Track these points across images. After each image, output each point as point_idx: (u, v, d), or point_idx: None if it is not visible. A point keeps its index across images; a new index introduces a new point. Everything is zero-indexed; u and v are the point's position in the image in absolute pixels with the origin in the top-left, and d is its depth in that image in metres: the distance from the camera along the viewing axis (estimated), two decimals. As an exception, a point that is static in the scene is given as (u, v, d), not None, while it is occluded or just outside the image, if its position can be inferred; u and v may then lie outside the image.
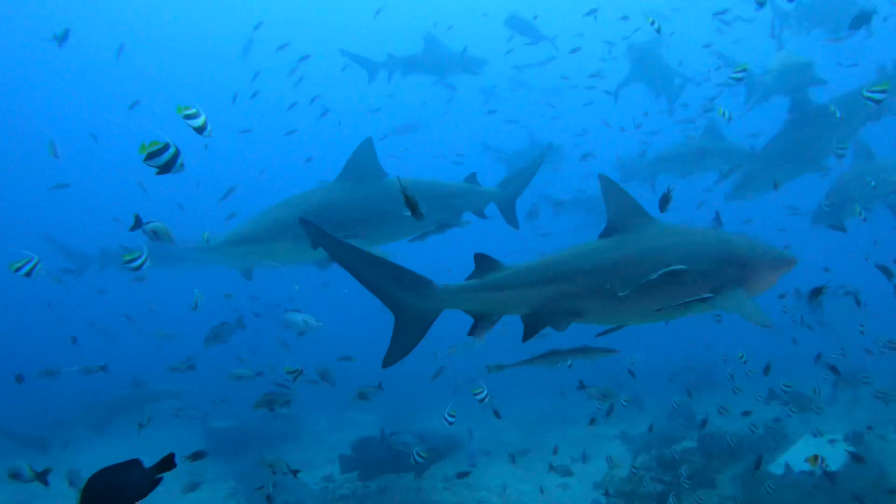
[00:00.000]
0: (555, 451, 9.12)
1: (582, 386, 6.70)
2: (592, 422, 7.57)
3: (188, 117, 3.89)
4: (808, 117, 9.53)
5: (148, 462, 2.82)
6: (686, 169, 11.75)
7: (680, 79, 14.63)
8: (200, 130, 3.92)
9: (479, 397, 5.63)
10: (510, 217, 8.45)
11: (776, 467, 6.94)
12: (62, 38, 7.69)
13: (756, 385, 8.55)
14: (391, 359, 4.30)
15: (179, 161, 3.71)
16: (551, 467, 8.22)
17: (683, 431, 10.30)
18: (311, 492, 11.00)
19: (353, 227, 6.82)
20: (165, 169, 3.67)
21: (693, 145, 11.56)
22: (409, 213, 3.85)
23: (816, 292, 5.62)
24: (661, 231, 4.50)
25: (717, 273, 4.19)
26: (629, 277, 4.09)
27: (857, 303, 8.01)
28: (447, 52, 16.03)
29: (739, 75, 7.09)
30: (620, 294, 4.06)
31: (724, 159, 11.03)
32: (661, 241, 4.38)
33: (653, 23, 7.40)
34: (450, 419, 6.23)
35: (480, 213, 8.12)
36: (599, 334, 4.79)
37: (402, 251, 7.00)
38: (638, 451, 11.19)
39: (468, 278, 4.43)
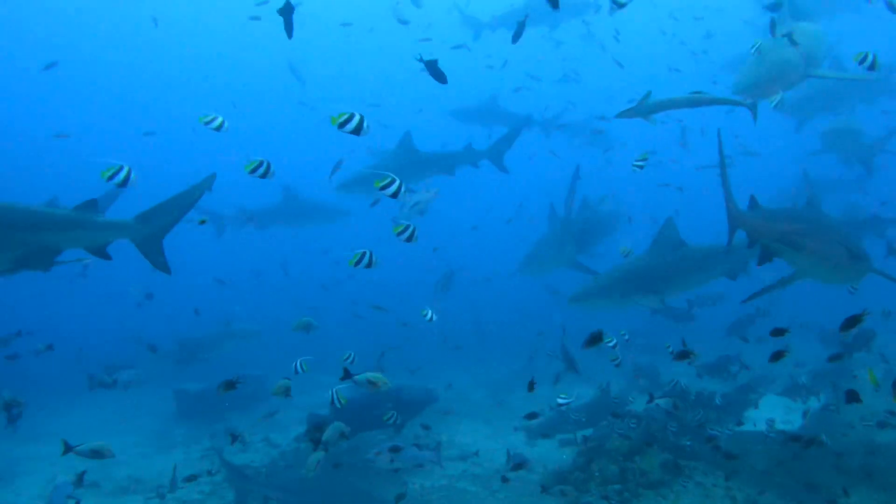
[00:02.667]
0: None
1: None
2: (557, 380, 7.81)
3: (384, 187, 4.82)
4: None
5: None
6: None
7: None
8: (395, 195, 4.85)
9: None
10: (155, 258, 6.79)
11: (745, 424, 7.30)
12: None
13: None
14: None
15: (366, 125, 4.54)
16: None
17: (647, 390, 10.63)
18: (284, 452, 11.12)
19: None
20: (356, 132, 4.54)
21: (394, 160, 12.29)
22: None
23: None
24: None
25: None
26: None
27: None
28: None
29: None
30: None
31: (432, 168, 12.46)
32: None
33: None
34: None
35: (102, 253, 6.51)
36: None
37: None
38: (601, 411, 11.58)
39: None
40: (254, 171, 4.80)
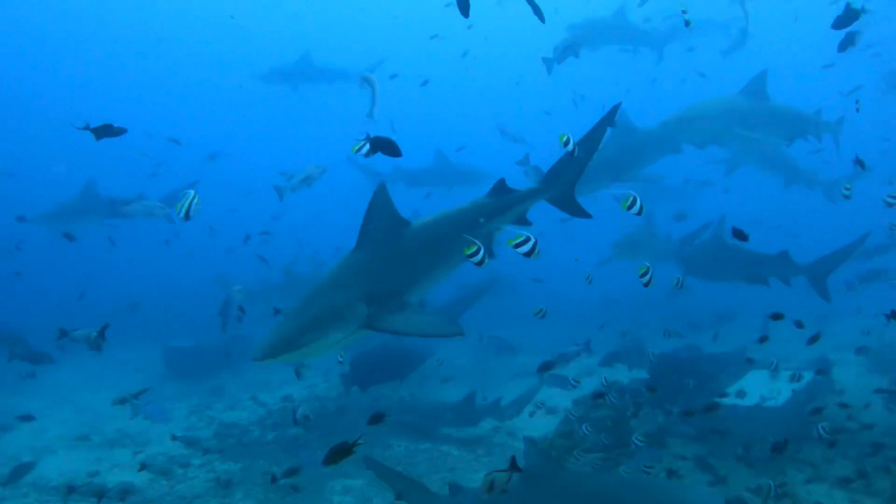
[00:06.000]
0: None
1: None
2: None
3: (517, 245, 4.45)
4: (625, 134, 10.16)
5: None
6: None
7: None
8: (529, 255, 4.46)
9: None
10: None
11: (730, 398, 7.44)
12: None
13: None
14: None
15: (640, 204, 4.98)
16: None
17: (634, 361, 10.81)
18: (271, 411, 11.27)
19: None
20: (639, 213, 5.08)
21: None
22: None
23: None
24: None
25: None
26: None
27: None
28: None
29: None
30: None
31: None
32: None
33: None
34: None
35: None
36: None
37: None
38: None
39: None
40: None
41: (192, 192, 4.63)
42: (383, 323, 4.99)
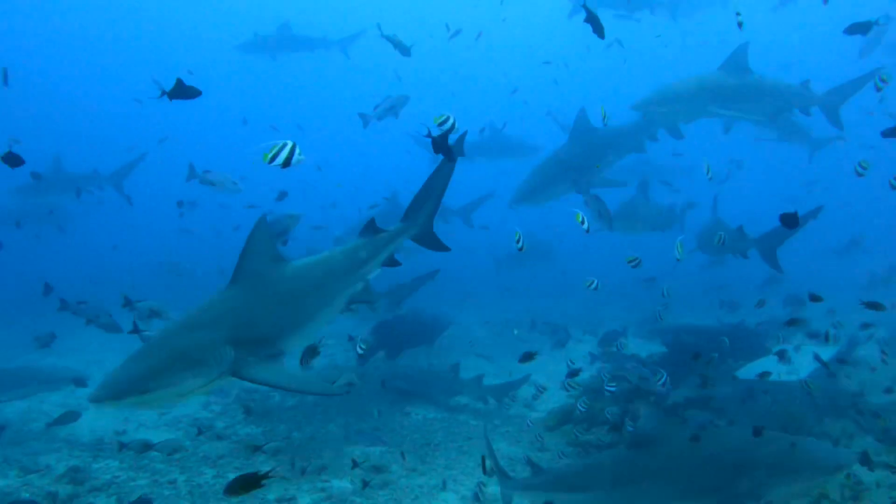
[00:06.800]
0: None
1: None
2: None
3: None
4: (585, 135, 10.03)
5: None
6: None
7: None
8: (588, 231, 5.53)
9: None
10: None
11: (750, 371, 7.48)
12: None
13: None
14: None
15: None
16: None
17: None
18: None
19: None
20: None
21: None
22: None
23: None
24: None
25: None
26: None
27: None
28: None
29: None
30: None
31: None
32: None
33: None
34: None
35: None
36: None
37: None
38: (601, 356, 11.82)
39: None
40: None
41: (289, 142, 4.16)
42: (252, 372, 4.47)
